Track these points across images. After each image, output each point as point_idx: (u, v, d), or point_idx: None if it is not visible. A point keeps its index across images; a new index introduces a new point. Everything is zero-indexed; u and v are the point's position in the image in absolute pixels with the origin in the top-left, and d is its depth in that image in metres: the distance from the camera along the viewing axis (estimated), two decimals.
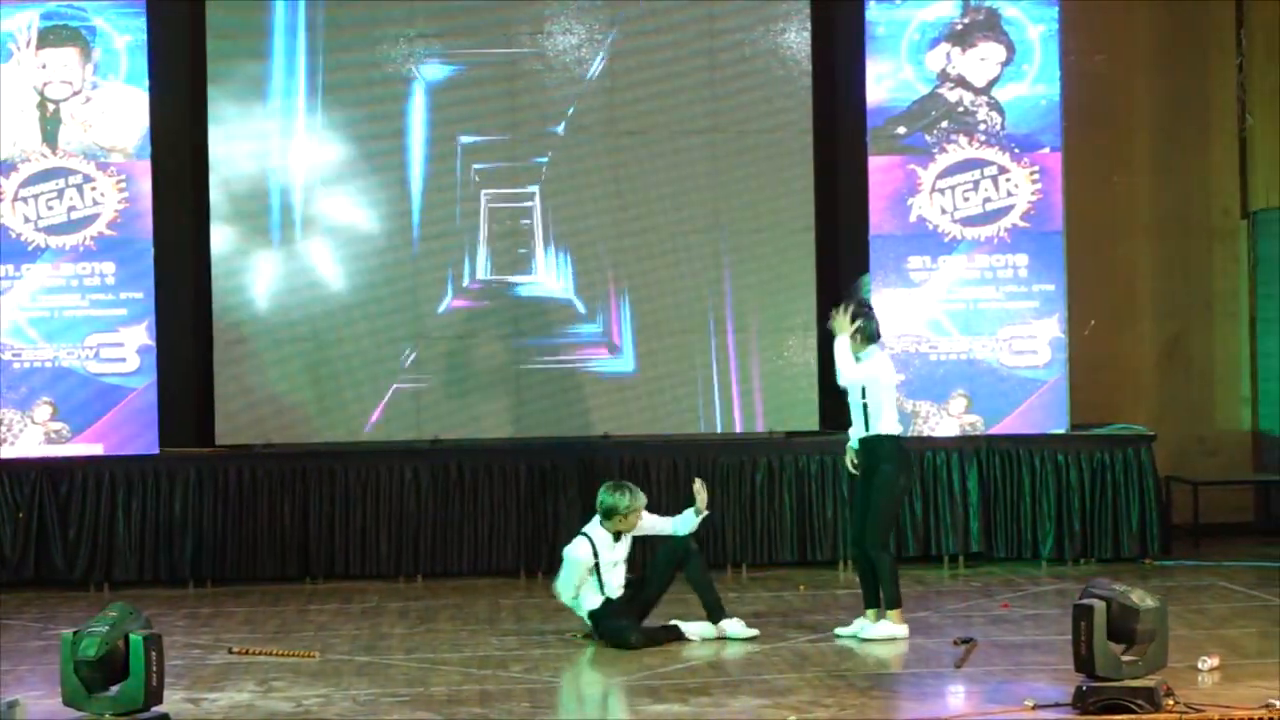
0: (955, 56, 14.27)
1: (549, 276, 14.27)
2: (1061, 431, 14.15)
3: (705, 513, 11.32)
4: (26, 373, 13.66)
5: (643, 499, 11.20)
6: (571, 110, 14.28)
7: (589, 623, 11.12)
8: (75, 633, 8.57)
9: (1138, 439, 14.17)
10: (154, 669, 8.47)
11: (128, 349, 13.76)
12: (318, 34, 14.14)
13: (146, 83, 13.79)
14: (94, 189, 13.76)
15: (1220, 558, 14.06)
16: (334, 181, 14.19)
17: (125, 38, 13.76)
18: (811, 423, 14.31)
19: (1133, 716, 8.55)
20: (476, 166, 14.26)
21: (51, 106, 13.77)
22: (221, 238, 14.08)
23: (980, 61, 14.28)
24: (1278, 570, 13.39)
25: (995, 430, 14.12)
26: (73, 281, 13.75)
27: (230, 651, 10.90)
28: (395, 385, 14.10)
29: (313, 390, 14.11)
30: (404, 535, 13.81)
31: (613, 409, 14.24)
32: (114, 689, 8.50)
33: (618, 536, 11.15)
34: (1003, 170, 14.24)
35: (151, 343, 13.77)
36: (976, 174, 14.24)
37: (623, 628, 10.92)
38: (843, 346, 11.09)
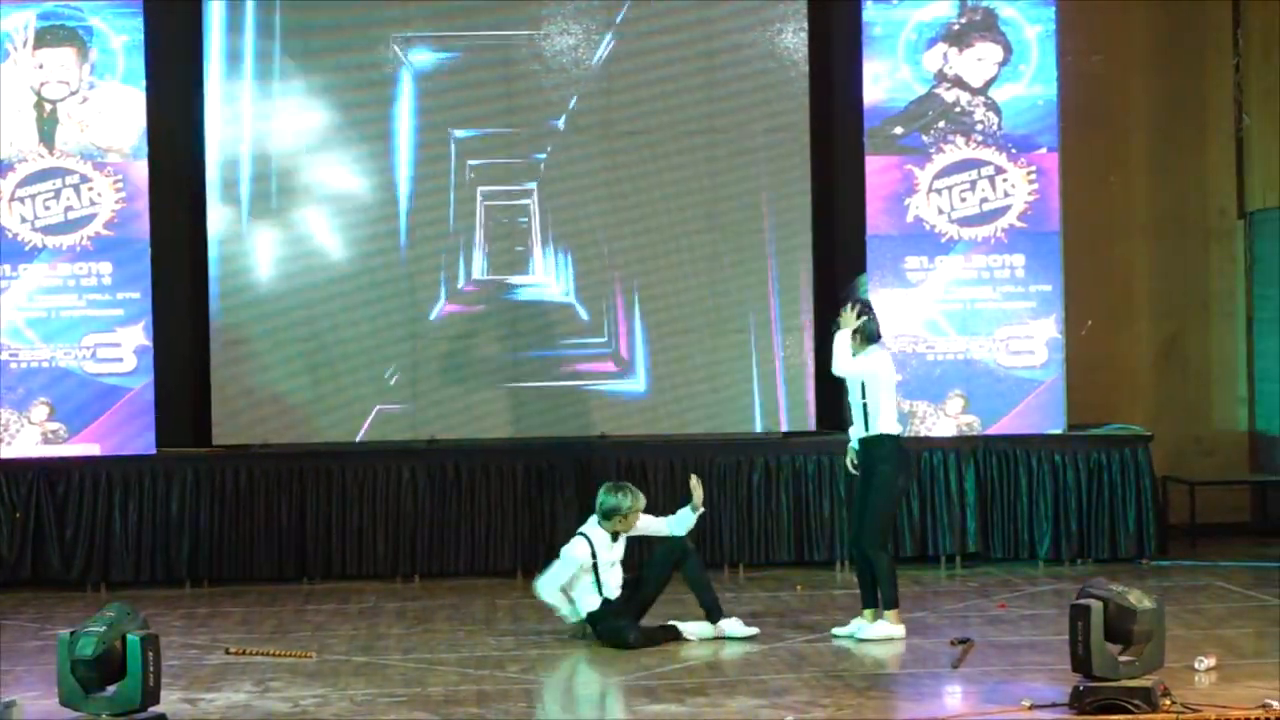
0: (952, 57, 14.28)
1: (546, 276, 14.27)
2: (1058, 432, 14.16)
3: (701, 509, 11.32)
4: (24, 373, 13.66)
5: (643, 500, 11.20)
6: (568, 111, 14.28)
7: (585, 621, 11.11)
8: (72, 633, 8.57)
9: (1135, 439, 14.17)
10: (151, 669, 8.47)
11: (125, 349, 13.75)
12: (315, 35, 14.15)
13: (143, 83, 13.79)
14: (91, 189, 13.75)
15: (1217, 558, 14.06)
16: (333, 181, 14.19)
17: (122, 38, 13.75)
18: (808, 423, 14.32)
19: (1129, 717, 8.55)
20: (472, 163, 14.25)
21: (48, 106, 13.76)
22: (219, 238, 14.08)
23: (977, 62, 14.28)
24: (1274, 570, 13.40)
25: (992, 430, 14.12)
26: (70, 282, 13.74)
27: (227, 652, 10.89)
28: (379, 406, 14.11)
29: (310, 390, 14.11)
30: (401, 535, 13.81)
31: (610, 408, 14.23)
32: (111, 689, 8.50)
33: (615, 537, 11.16)
34: (1000, 170, 14.24)
35: (148, 343, 13.76)
36: (973, 174, 14.24)
37: (620, 627, 10.92)
38: (843, 338, 11.10)
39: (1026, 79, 14.28)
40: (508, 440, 14.15)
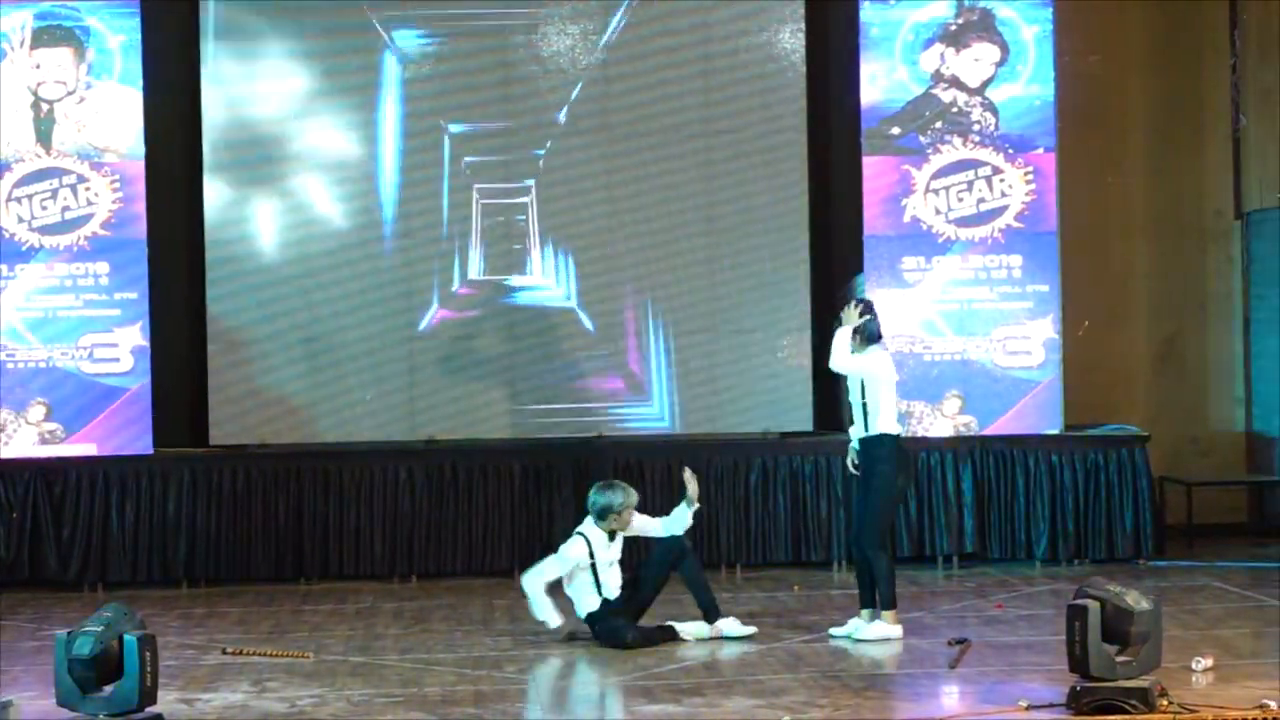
0: (949, 57, 14.28)
1: (544, 279, 14.26)
2: (1055, 432, 14.16)
3: (697, 505, 11.31)
4: (21, 373, 13.65)
5: (634, 496, 11.20)
6: (565, 111, 14.27)
7: (583, 620, 11.12)
8: (69, 633, 8.57)
9: (1132, 439, 14.18)
10: (148, 669, 8.46)
11: (122, 349, 13.75)
12: (312, 36, 14.16)
13: (140, 83, 13.78)
14: (88, 189, 13.75)
15: (1214, 558, 14.07)
16: (331, 183, 14.20)
17: (119, 38, 13.75)
18: (806, 423, 14.33)
19: (1127, 717, 8.55)
20: (468, 159, 14.24)
21: (45, 107, 13.76)
22: (215, 238, 14.08)
23: (974, 62, 14.28)
24: (1272, 570, 13.41)
25: (989, 431, 14.12)
26: (67, 282, 13.74)
27: (224, 652, 10.89)
28: (377, 406, 14.14)
29: (307, 390, 14.11)
30: (398, 536, 13.81)
31: (607, 409, 14.23)
32: (108, 689, 8.50)
33: (612, 536, 11.16)
34: (997, 171, 14.25)
35: (146, 343, 13.76)
36: (970, 174, 14.24)
37: (619, 627, 10.92)
38: (843, 335, 11.10)
39: (1024, 79, 14.28)
40: (505, 440, 14.15)
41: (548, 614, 11.05)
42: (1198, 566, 13.76)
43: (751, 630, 11.15)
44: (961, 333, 14.19)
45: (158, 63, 14.03)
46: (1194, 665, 9.74)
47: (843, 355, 11.09)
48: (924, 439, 13.97)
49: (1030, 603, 12.36)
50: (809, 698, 9.36)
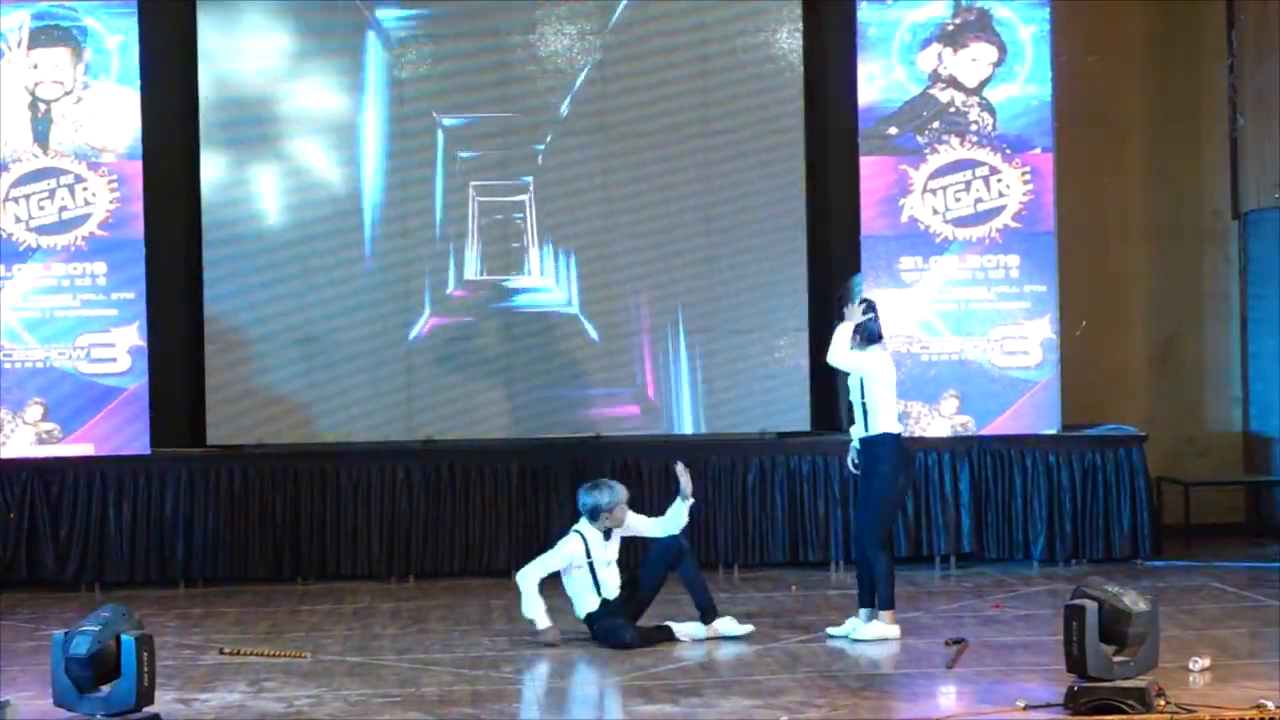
0: (947, 57, 14.28)
1: (542, 280, 14.25)
2: (1053, 432, 14.16)
3: (691, 499, 11.31)
4: (18, 373, 13.64)
5: (622, 492, 11.19)
6: (562, 111, 14.27)
7: (583, 619, 11.12)
8: (67, 633, 8.58)
9: (1129, 440, 14.18)
10: (145, 669, 8.47)
11: (119, 349, 13.74)
12: (310, 37, 14.17)
13: (138, 83, 13.78)
14: (85, 189, 13.74)
15: (1211, 558, 14.08)
16: (329, 183, 14.20)
17: (116, 38, 13.74)
18: (803, 424, 14.32)
19: (1124, 717, 8.55)
20: (463, 155, 14.23)
21: (43, 106, 13.75)
22: (213, 238, 14.07)
23: (972, 62, 14.29)
24: (1269, 571, 13.41)
25: (987, 431, 14.12)
26: (64, 282, 13.73)
27: (222, 652, 10.89)
28: (374, 406, 14.14)
29: (304, 390, 14.10)
30: (396, 536, 13.81)
31: (604, 409, 14.23)
32: (105, 689, 8.50)
33: (608, 534, 11.15)
34: (994, 171, 14.25)
35: (143, 343, 13.75)
36: (968, 174, 14.25)
37: (618, 627, 10.92)
38: (844, 330, 11.10)
39: (1021, 79, 14.28)
40: (503, 440, 14.14)
41: (536, 613, 10.99)
42: (1195, 566, 13.77)
43: (748, 629, 11.15)
44: (959, 333, 14.19)
45: (155, 63, 14.03)
46: (1191, 665, 9.74)
47: (841, 350, 11.09)
48: (921, 439, 13.96)
49: (1028, 603, 12.36)
50: (806, 698, 9.36)
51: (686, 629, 11.07)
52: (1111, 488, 13.99)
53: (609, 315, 14.27)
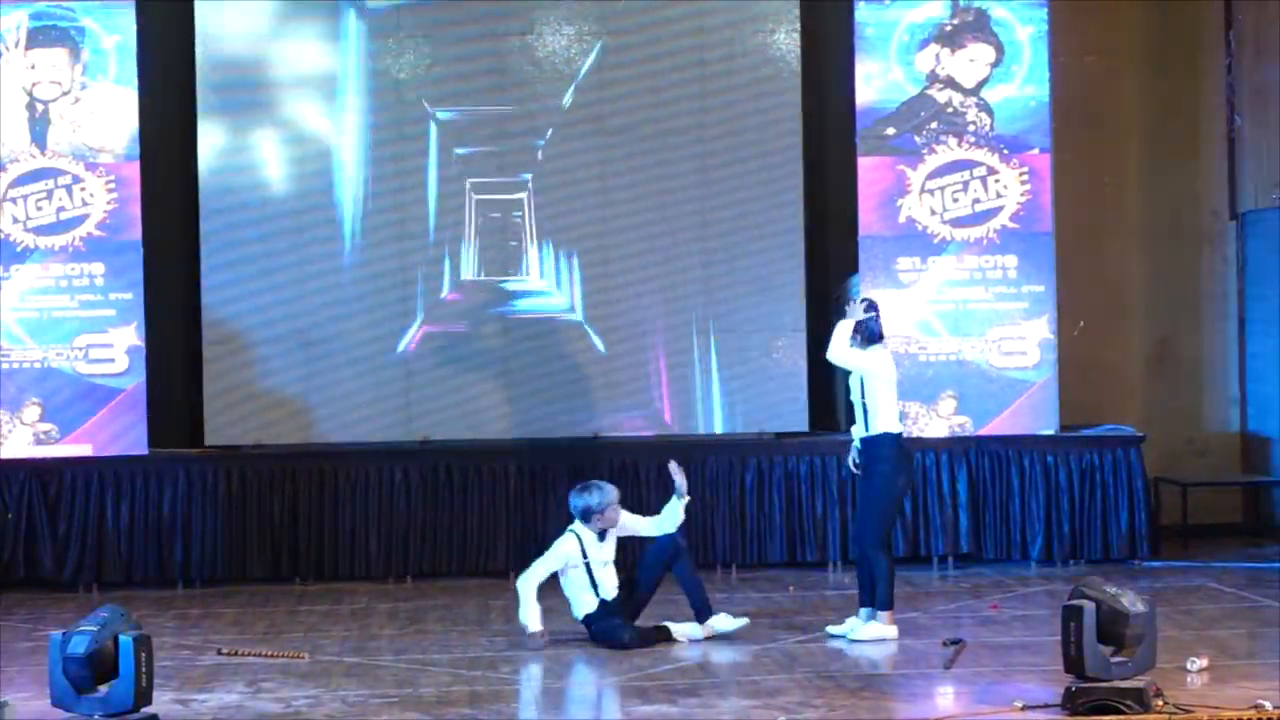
0: (944, 57, 14.28)
1: (541, 280, 14.25)
2: (1051, 433, 14.16)
3: (687, 497, 11.31)
4: (16, 374, 13.64)
5: (614, 492, 11.19)
6: (559, 113, 14.26)
7: (580, 621, 11.12)
8: (64, 633, 8.57)
9: (1127, 440, 14.18)
10: (143, 670, 8.46)
11: (117, 350, 13.74)
12: (308, 37, 14.17)
13: (135, 83, 13.77)
14: (83, 189, 13.74)
15: (1209, 559, 14.08)
16: (327, 183, 14.19)
17: (114, 38, 13.74)
18: (800, 424, 14.31)
19: (1122, 717, 8.55)
20: (458, 151, 14.22)
21: (40, 107, 13.75)
22: (211, 238, 14.06)
23: (969, 62, 14.29)
24: (1267, 571, 13.41)
25: (984, 431, 14.12)
26: (62, 282, 13.73)
27: (219, 652, 10.89)
28: (371, 406, 14.13)
29: (302, 391, 14.09)
30: (393, 536, 13.80)
31: (601, 409, 14.23)
32: (103, 689, 8.50)
33: (603, 535, 11.15)
34: (992, 171, 14.25)
35: (141, 343, 13.75)
36: (966, 175, 14.25)
37: (616, 627, 10.93)
38: (844, 327, 11.10)
39: (1019, 80, 14.29)
40: (501, 440, 14.14)
41: (530, 618, 10.98)
42: (1193, 567, 13.77)
43: (743, 621, 11.15)
44: (957, 333, 14.19)
45: (153, 63, 14.02)
46: (1189, 665, 9.74)
47: (840, 347, 11.10)
48: (919, 439, 13.95)
49: (1025, 603, 12.36)
50: (804, 698, 9.36)
51: (684, 629, 11.07)
52: (1109, 488, 13.99)
53: (607, 319, 14.25)
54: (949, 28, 14.26)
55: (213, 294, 14.04)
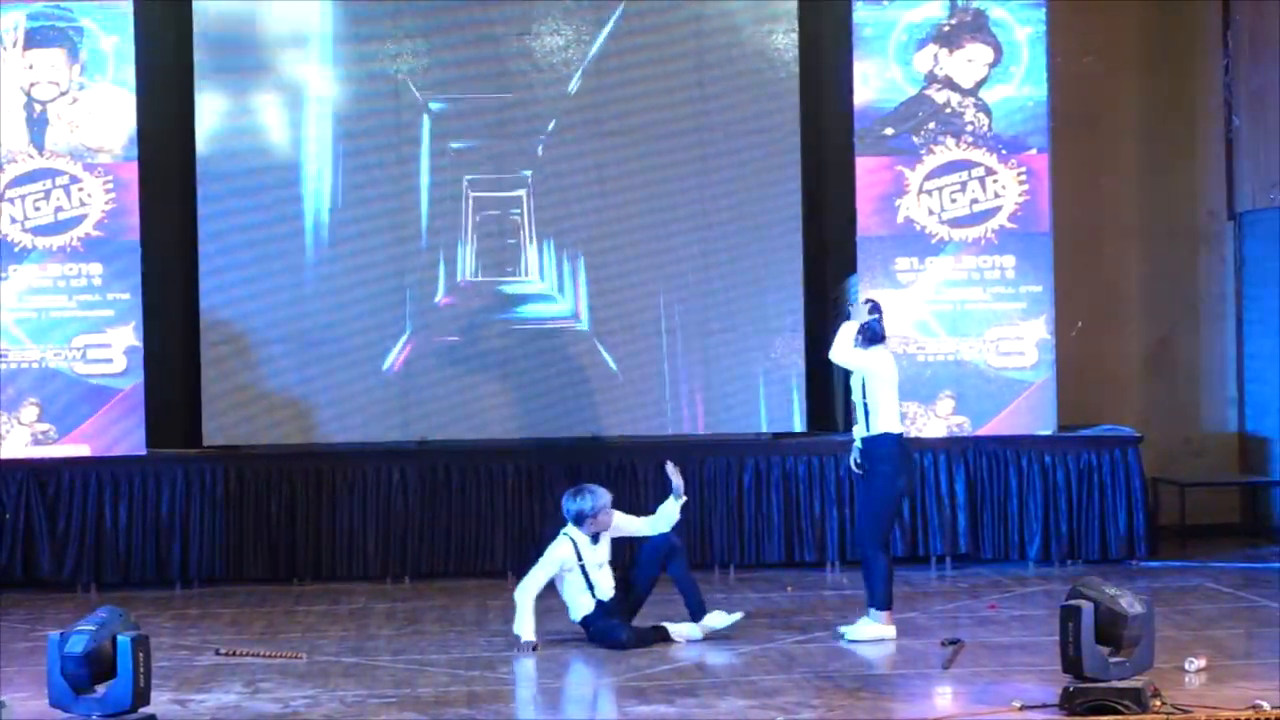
0: (942, 58, 14.28)
1: (534, 274, 14.25)
2: (1048, 433, 14.16)
3: (684, 497, 11.31)
4: (13, 374, 13.63)
5: (605, 496, 11.18)
6: (558, 113, 14.26)
7: (578, 623, 11.12)
8: (62, 634, 8.57)
9: (1125, 440, 14.18)
10: (141, 670, 8.47)
11: (115, 350, 13.74)
12: (308, 42, 14.17)
13: (133, 83, 13.77)
14: (81, 190, 13.74)
15: (1207, 559, 14.08)
16: (325, 182, 14.18)
17: (112, 38, 13.74)
18: (799, 424, 14.32)
19: (1120, 717, 8.55)
20: (454, 146, 14.21)
21: (38, 107, 13.74)
22: (209, 239, 14.06)
23: (968, 63, 14.29)
24: (1264, 571, 13.42)
25: (982, 431, 14.12)
26: (60, 282, 13.73)
27: (217, 653, 10.88)
28: (369, 406, 14.12)
29: (300, 391, 14.09)
30: (391, 536, 13.80)
31: (600, 409, 14.23)
32: (101, 690, 8.50)
33: (596, 538, 11.15)
34: (990, 171, 14.25)
35: (139, 344, 13.75)
36: (964, 175, 14.25)
37: (614, 627, 10.93)
38: (848, 328, 11.11)
39: (1017, 80, 14.29)
40: (499, 441, 14.13)
41: (525, 628, 10.96)
42: (1191, 567, 13.77)
43: (737, 616, 11.15)
44: (955, 333, 14.19)
45: (151, 63, 14.03)
46: (1187, 666, 9.74)
47: (843, 347, 11.10)
48: (917, 439, 13.92)
49: (1023, 603, 12.36)
50: (802, 698, 9.36)
51: (682, 630, 11.07)
52: (1107, 488, 13.99)
53: (607, 319, 14.24)
54: (947, 28, 14.26)
55: (211, 294, 14.04)
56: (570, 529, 11.15)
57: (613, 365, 14.24)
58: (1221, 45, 15.68)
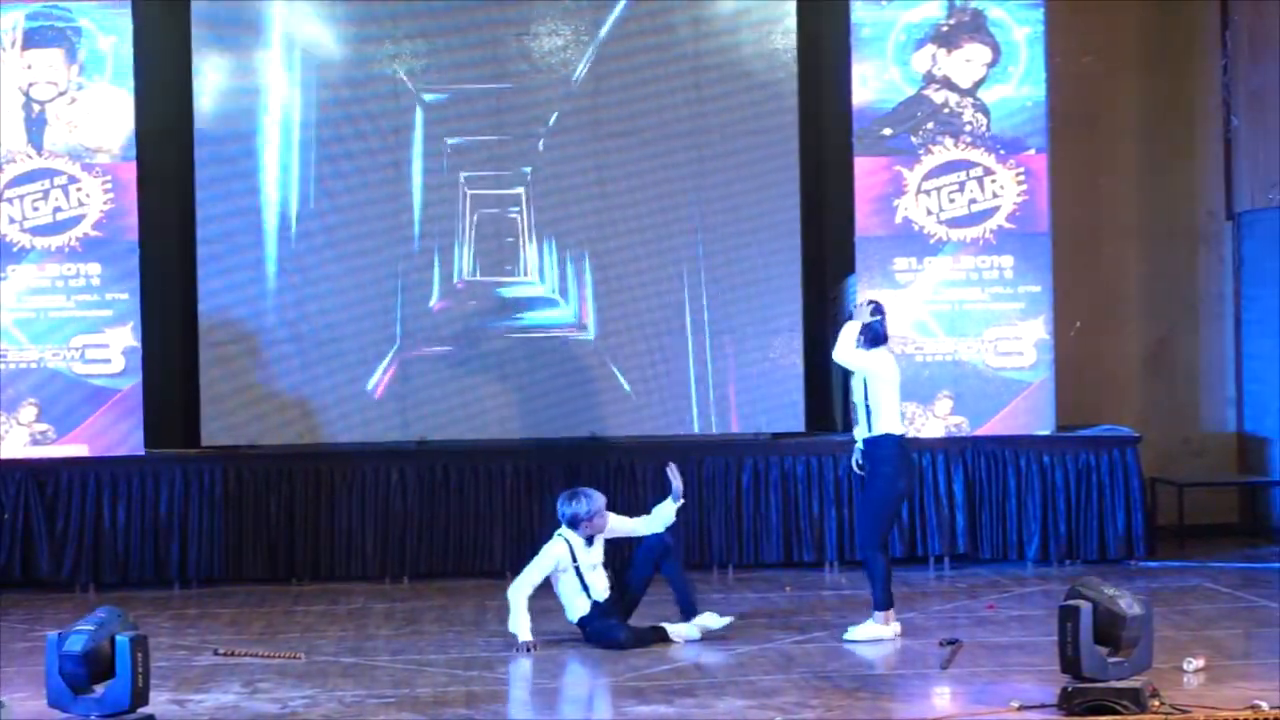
0: (941, 58, 14.28)
1: (533, 275, 14.25)
2: (1047, 433, 14.16)
3: (682, 500, 11.33)
4: (12, 374, 13.63)
5: (600, 500, 11.19)
6: (556, 112, 14.26)
7: (574, 624, 11.12)
8: (61, 634, 8.57)
9: (1123, 440, 14.18)
10: (140, 670, 8.47)
11: (113, 350, 13.74)
12: (308, 43, 14.16)
13: (132, 83, 13.77)
14: (79, 190, 13.74)
15: (1205, 559, 14.08)
16: (325, 185, 14.17)
17: (110, 38, 13.74)
18: (797, 424, 14.31)
19: (1118, 717, 8.56)
20: (452, 142, 14.20)
21: (37, 107, 13.74)
22: (207, 239, 14.05)
23: (966, 63, 14.29)
24: (1263, 572, 13.42)
25: (981, 432, 14.12)
26: (58, 282, 13.73)
27: (216, 653, 10.88)
28: (368, 406, 14.11)
29: (299, 391, 14.09)
30: (390, 537, 13.80)
31: (599, 410, 14.23)
32: (99, 690, 8.50)
33: (590, 540, 11.16)
34: (988, 172, 14.25)
35: (137, 344, 13.75)
36: (962, 175, 14.25)
37: (611, 627, 10.93)
38: (850, 328, 11.12)
39: (1015, 80, 14.29)
40: (497, 441, 14.13)
41: (520, 627, 10.96)
42: (1189, 567, 13.77)
43: (728, 619, 11.16)
44: (953, 333, 14.19)
45: (149, 63, 14.02)
46: (1185, 666, 9.74)
47: (846, 347, 11.10)
48: (916, 439, 13.91)
49: (1022, 603, 12.36)
50: (801, 698, 9.36)
51: (680, 630, 11.07)
52: (1106, 488, 13.99)
53: (605, 320, 14.23)
54: (945, 28, 14.27)
55: (209, 295, 14.03)
56: (564, 531, 11.16)
57: (611, 365, 14.22)
58: (1220, 45, 15.69)
